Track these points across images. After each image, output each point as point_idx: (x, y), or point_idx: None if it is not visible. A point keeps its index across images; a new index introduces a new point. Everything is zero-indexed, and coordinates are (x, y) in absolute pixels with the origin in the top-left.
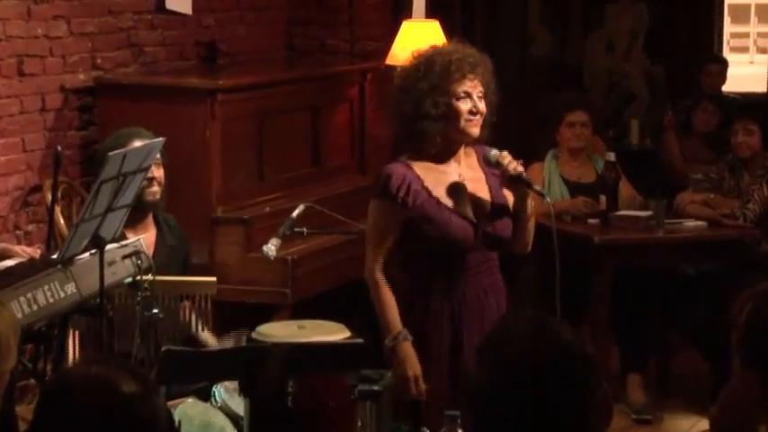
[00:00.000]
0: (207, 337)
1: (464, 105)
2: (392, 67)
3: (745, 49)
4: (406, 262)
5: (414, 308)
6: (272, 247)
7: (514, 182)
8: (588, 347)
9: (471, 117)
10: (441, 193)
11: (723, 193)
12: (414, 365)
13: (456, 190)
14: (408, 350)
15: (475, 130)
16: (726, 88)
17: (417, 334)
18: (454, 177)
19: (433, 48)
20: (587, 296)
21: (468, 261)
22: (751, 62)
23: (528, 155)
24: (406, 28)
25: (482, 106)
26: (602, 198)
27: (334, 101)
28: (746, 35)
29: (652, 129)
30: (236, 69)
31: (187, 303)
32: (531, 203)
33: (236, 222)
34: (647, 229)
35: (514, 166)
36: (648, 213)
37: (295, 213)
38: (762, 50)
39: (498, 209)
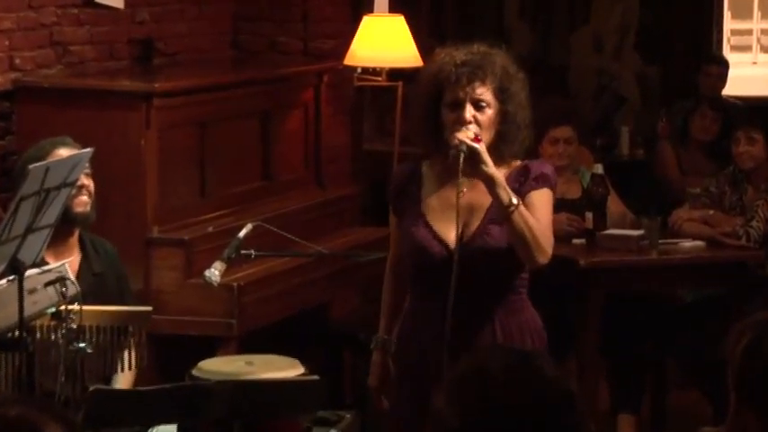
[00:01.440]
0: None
1: (450, 115)
2: (351, 68)
3: (747, 48)
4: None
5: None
6: (216, 272)
7: (465, 157)
8: (573, 384)
9: (459, 128)
10: (432, 204)
11: (724, 209)
12: (375, 376)
13: (447, 206)
14: (378, 359)
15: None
16: (726, 92)
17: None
18: (454, 191)
19: (440, 49)
20: (573, 326)
21: (436, 279)
22: (754, 62)
23: None
24: (367, 24)
25: (477, 116)
26: (589, 215)
27: (286, 106)
28: (749, 32)
29: (645, 137)
30: (174, 71)
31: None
32: (503, 194)
33: (174, 244)
34: (639, 251)
35: (460, 136)
36: (640, 232)
37: (242, 233)
38: (766, 49)
39: (483, 234)
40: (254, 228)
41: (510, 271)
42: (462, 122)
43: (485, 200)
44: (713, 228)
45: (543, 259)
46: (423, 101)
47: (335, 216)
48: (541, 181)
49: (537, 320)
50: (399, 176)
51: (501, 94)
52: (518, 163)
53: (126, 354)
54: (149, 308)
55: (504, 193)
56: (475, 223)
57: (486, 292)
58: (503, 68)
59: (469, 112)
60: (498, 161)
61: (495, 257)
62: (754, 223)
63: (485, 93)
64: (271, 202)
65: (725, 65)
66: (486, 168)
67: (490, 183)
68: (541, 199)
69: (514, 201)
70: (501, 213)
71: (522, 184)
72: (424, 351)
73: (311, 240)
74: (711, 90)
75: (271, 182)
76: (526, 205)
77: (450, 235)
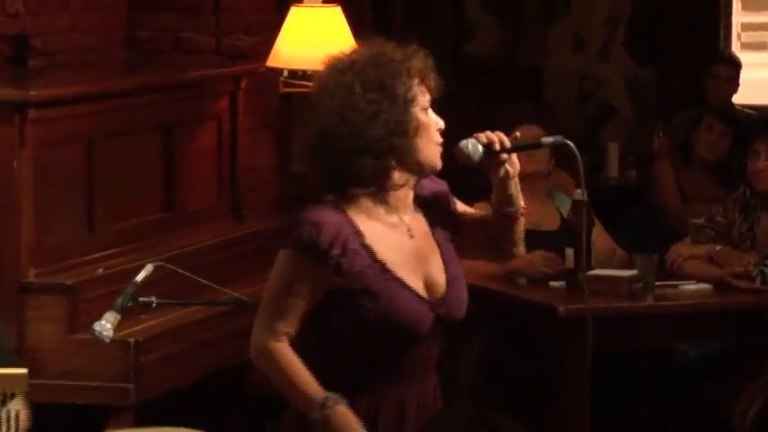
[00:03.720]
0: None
1: (427, 118)
2: (275, 71)
3: (761, 46)
4: (320, 347)
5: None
6: (108, 326)
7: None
8: None
9: (440, 139)
10: (387, 256)
11: (733, 242)
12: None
13: (406, 253)
14: (347, 416)
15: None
16: (737, 100)
17: None
18: (403, 233)
19: (366, 44)
20: (553, 387)
21: (411, 356)
22: None
23: (467, 192)
24: (296, 16)
25: None
26: (569, 252)
27: (194, 119)
28: (764, 26)
29: (638, 155)
30: (55, 75)
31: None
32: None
33: (55, 290)
34: (631, 295)
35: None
36: (633, 273)
37: (140, 277)
38: None
39: (453, 280)
40: (156, 269)
41: None
42: (441, 132)
43: (428, 233)
44: (721, 267)
45: None
46: (373, 107)
47: (256, 255)
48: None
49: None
50: (335, 228)
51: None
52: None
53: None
54: (24, 370)
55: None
56: (437, 266)
57: (434, 361)
58: None
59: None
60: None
61: (462, 317)
62: None
63: None
64: (176, 237)
65: (736, 66)
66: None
67: (511, 179)
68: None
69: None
70: (510, 214)
71: (447, 203)
72: None
73: (226, 285)
74: (719, 97)
75: (176, 213)
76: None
77: (421, 288)
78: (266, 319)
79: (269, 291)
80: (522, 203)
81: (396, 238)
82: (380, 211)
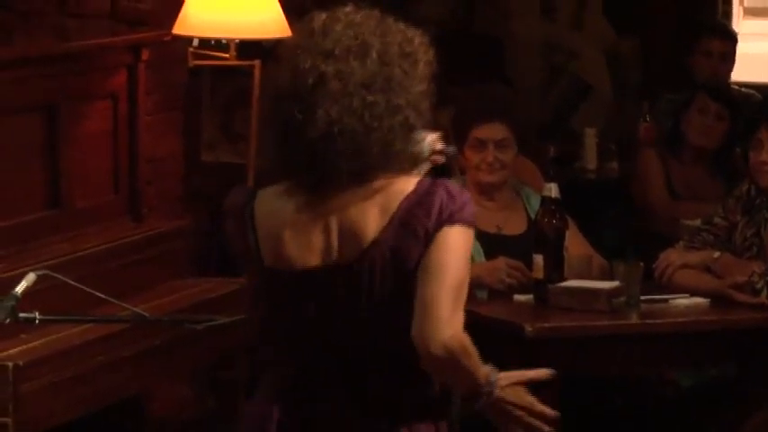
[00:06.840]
0: None
1: None
2: (184, 40)
3: (766, 12)
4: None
5: None
6: None
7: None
8: None
9: None
10: None
11: (735, 249)
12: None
13: None
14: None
15: None
16: (736, 76)
17: None
18: None
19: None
20: None
21: None
22: None
23: None
24: None
25: None
26: (538, 259)
27: (84, 97)
28: None
29: (619, 143)
30: None
31: None
32: None
33: None
34: (611, 312)
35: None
36: (614, 285)
37: (20, 288)
38: None
39: None
40: (39, 279)
41: None
42: None
43: None
44: (720, 278)
45: None
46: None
47: (159, 262)
48: None
49: None
50: None
51: None
52: None
53: None
54: None
55: None
56: None
57: None
58: None
59: None
60: None
61: None
62: None
63: None
64: (62, 240)
65: (732, 39)
66: None
67: None
68: None
69: None
70: None
71: None
72: None
73: (124, 298)
74: (714, 74)
75: (62, 210)
76: None
77: None
78: (458, 309)
79: (456, 277)
80: None
81: None
82: None
